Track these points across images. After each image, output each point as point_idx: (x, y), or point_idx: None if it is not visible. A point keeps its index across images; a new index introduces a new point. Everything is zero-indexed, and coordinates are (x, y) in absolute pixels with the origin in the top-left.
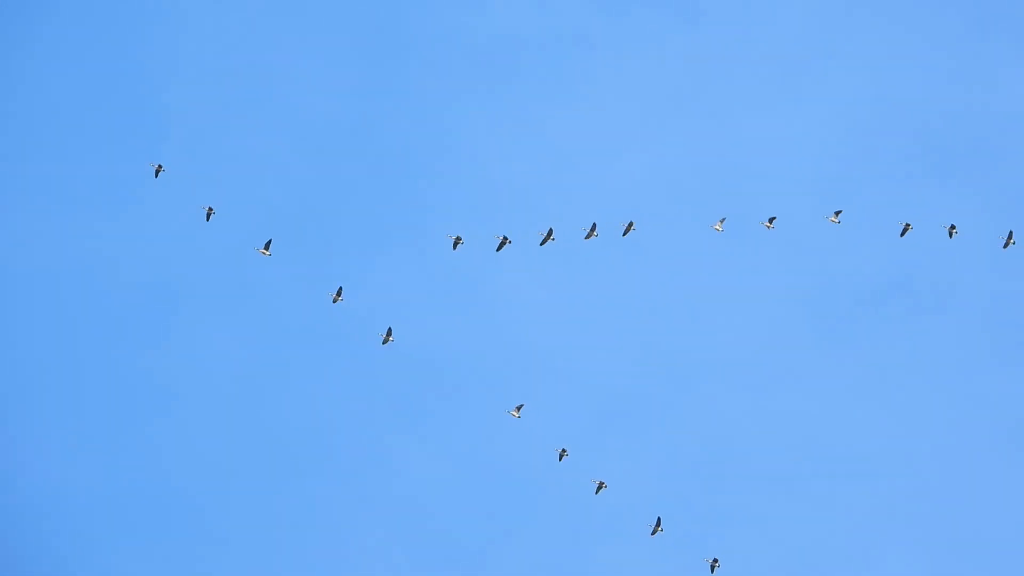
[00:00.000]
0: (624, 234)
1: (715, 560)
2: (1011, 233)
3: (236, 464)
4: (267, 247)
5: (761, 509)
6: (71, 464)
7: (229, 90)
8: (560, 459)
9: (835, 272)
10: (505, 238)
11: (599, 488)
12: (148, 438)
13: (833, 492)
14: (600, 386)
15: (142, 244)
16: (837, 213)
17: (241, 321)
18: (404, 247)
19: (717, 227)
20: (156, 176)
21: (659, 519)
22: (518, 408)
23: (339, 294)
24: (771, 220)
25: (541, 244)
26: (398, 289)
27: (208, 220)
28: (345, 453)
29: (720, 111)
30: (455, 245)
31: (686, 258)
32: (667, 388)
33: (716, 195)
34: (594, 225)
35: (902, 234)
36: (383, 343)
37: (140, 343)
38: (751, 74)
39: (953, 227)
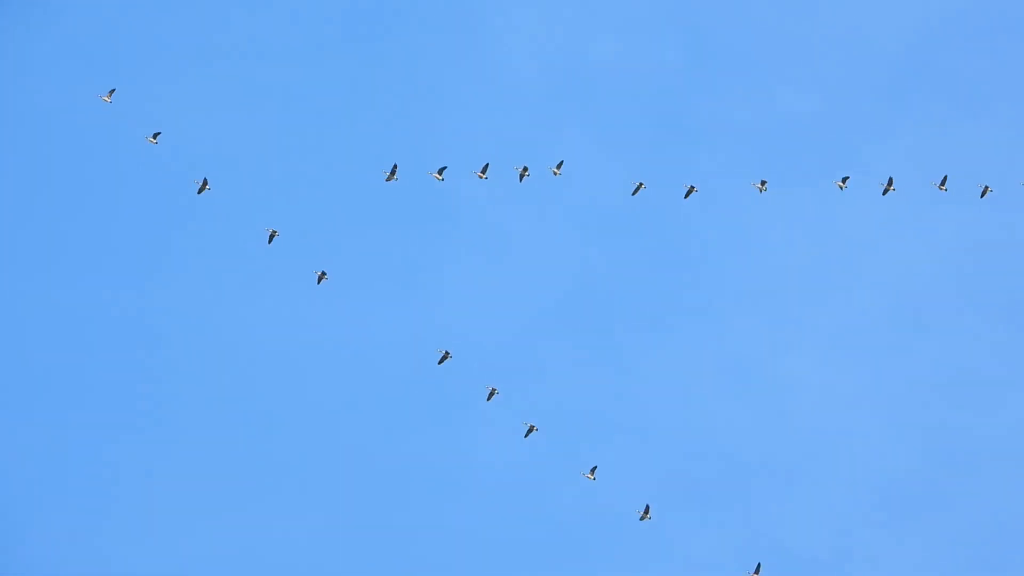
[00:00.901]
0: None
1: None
2: None
3: (517, 555)
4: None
5: None
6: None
7: (513, 176)
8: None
9: None
10: (525, 168)
11: (529, 431)
12: (426, 531)
13: None
14: (883, 471)
15: (428, 328)
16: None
17: (521, 405)
18: (688, 331)
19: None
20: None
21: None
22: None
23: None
24: None
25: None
26: (682, 373)
27: (270, 242)
28: (625, 539)
29: (1005, 199)
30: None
31: (969, 342)
32: (950, 473)
33: (999, 279)
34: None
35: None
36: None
37: (413, 431)
38: None
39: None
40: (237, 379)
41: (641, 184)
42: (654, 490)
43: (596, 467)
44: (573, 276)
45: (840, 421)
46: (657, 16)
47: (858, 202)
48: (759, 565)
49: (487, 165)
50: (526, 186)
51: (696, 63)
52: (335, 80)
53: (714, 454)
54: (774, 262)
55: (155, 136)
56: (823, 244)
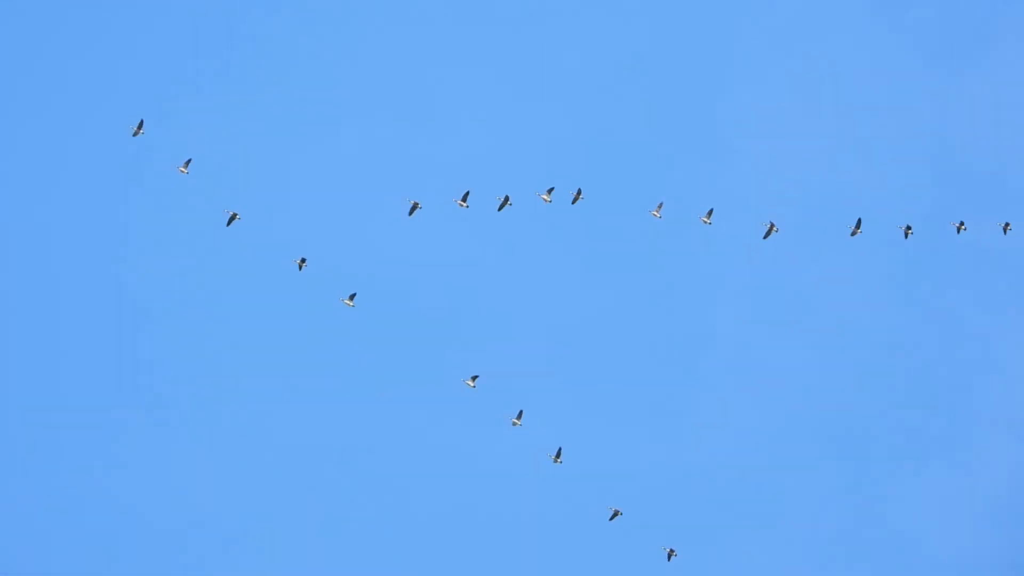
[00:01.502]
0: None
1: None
2: None
3: None
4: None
5: None
6: None
7: (768, 304)
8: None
9: None
10: (507, 198)
11: (614, 515)
12: None
13: None
14: None
15: (683, 458)
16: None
17: (783, 538)
18: (942, 462)
19: None
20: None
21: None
22: (473, 378)
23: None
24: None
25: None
26: (937, 503)
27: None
28: None
29: None
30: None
31: None
32: None
33: None
34: None
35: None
36: None
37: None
38: None
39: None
40: (481, 505)
41: (507, 198)
42: None
43: (618, 514)
44: (825, 405)
45: None
46: (908, 141)
47: None
48: None
49: (467, 193)
50: (780, 315)
51: (948, 188)
52: (584, 197)
53: None
54: None
55: (186, 164)
56: None
